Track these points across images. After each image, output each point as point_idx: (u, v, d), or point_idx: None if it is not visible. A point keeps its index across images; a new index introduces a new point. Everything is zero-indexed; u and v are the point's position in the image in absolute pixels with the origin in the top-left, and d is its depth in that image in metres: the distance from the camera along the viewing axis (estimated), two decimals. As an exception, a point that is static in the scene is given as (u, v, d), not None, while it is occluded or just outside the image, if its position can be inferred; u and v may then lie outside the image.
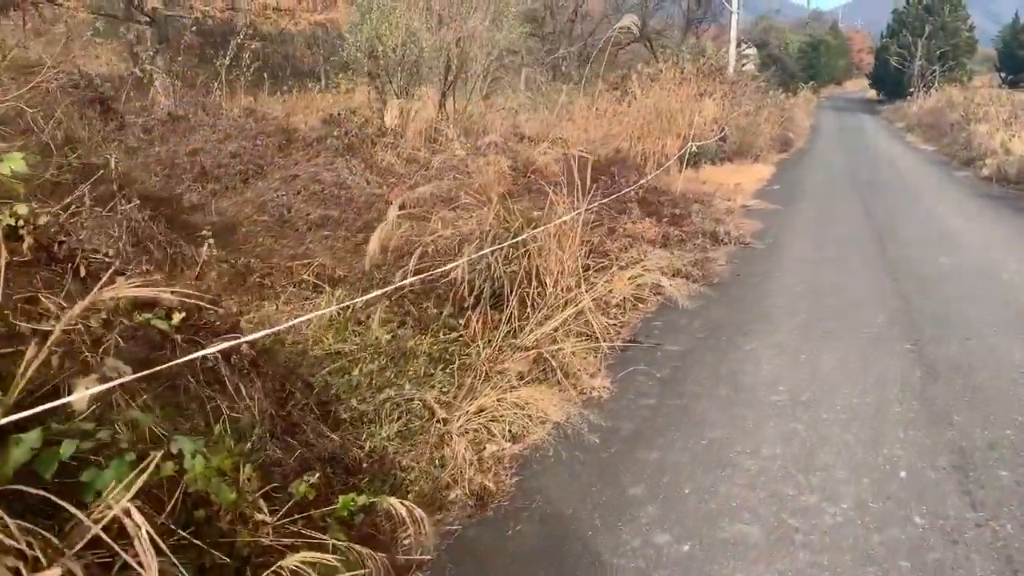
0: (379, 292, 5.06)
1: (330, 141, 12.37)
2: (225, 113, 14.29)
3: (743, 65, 31.99)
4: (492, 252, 5.04)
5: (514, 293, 5.20)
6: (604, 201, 9.90)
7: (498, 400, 4.17)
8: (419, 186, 11.50)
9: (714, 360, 5.25)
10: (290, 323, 4.49)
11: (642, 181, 10.96)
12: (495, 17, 12.99)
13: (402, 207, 10.37)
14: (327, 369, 4.61)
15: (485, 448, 3.87)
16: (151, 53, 18.27)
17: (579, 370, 4.78)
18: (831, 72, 53.98)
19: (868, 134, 25.62)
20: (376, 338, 5.00)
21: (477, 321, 4.95)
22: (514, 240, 5.22)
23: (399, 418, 4.07)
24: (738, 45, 30.47)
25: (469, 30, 12.60)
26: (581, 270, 5.82)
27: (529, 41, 26.13)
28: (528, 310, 5.15)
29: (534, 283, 5.34)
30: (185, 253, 7.03)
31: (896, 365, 5.11)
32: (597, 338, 5.30)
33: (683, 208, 10.90)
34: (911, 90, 33.89)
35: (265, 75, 18.91)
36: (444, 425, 3.98)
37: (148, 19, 18.55)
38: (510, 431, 4.08)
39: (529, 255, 5.43)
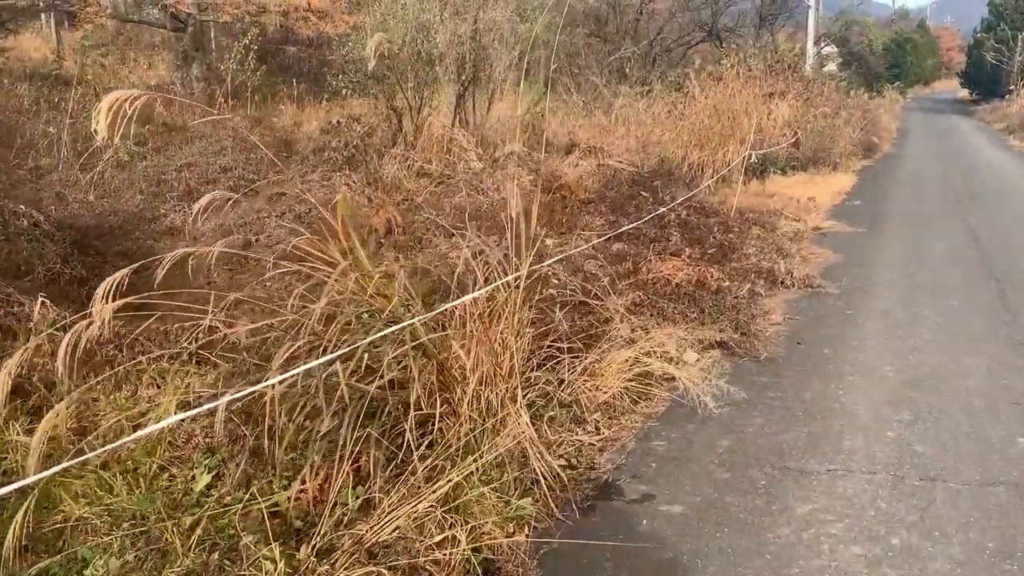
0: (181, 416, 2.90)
1: (328, 154, 10.36)
2: (230, 123, 12.49)
3: (823, 66, 28.91)
4: (339, 358, 2.80)
5: (379, 421, 2.97)
6: (626, 228, 7.59)
7: None
8: (417, 206, 9.40)
9: (738, 556, 2.89)
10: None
11: (678, 200, 8.56)
12: (518, 6, 10.74)
13: (387, 234, 8.27)
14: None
15: None
16: (188, 60, 16.77)
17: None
18: (918, 72, 49.68)
19: (963, 137, 22.34)
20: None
21: (312, 481, 2.74)
22: (379, 335, 2.96)
23: None
24: (816, 42, 27.43)
25: (487, 22, 10.40)
26: (520, 370, 3.52)
27: (591, 41, 23.80)
28: (415, 454, 2.90)
29: (434, 397, 3.09)
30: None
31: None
32: (540, 491, 3.04)
33: (738, 233, 8.46)
34: (1011, 88, 30.10)
35: (294, 81, 17.17)
36: None
37: (180, 23, 17.00)
38: None
39: (427, 352, 3.18)
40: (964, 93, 42.63)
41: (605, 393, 4.00)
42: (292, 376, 2.57)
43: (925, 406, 4.11)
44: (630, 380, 4.10)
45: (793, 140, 13.70)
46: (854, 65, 30.92)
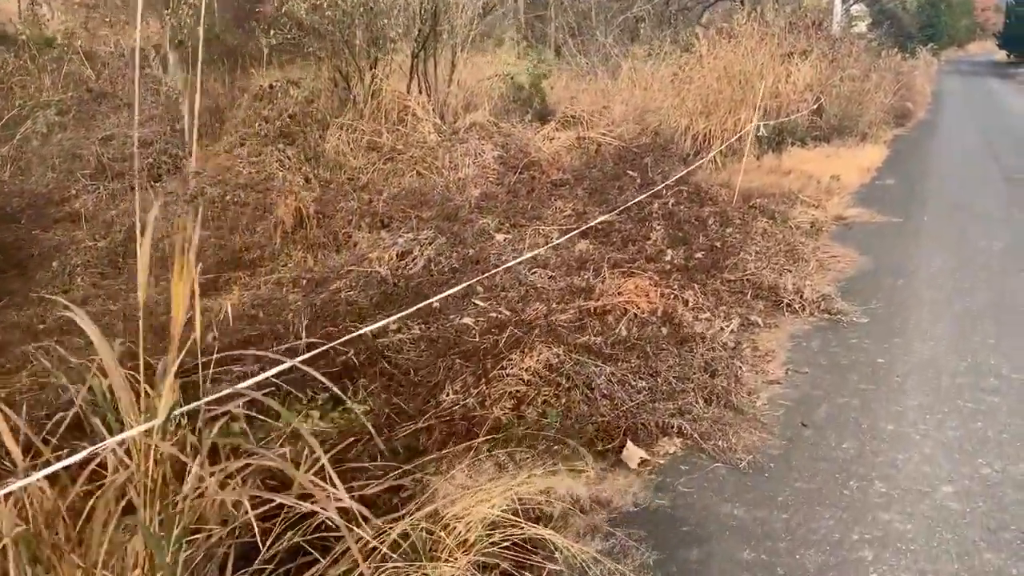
0: None
1: (258, 125, 8.55)
2: (162, 90, 10.70)
3: (851, 25, 26.37)
4: None
5: None
6: (594, 223, 5.77)
7: None
8: (362, 187, 7.60)
9: None
10: None
11: (671, 181, 6.68)
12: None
13: (297, 227, 6.52)
14: None
15: None
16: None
17: None
18: (952, 33, 46.28)
19: (1005, 102, 19.87)
20: None
21: None
22: None
23: None
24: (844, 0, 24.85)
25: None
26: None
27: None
28: None
29: None
30: None
31: None
32: None
33: (739, 226, 6.54)
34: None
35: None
36: None
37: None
38: None
39: None
40: (1001, 55, 39.40)
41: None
42: None
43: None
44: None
45: (815, 106, 11.61)
46: (885, 24, 28.21)
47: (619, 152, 8.66)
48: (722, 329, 4.14)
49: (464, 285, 4.35)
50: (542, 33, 16.78)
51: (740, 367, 3.59)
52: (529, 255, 5.35)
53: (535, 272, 5.26)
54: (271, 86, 8.79)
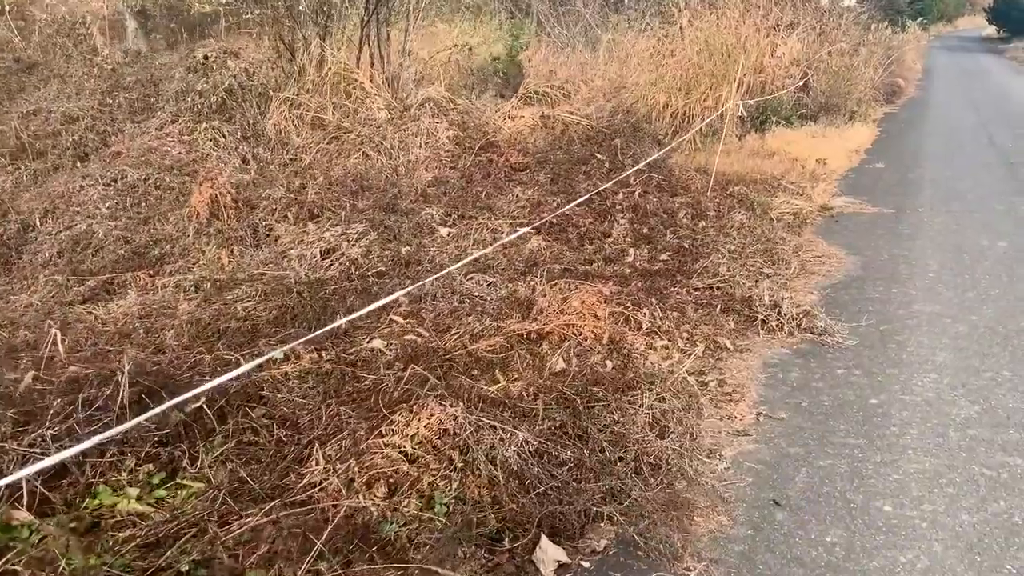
0: None
1: (191, 98, 7.66)
2: (99, 60, 9.76)
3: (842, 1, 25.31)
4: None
5: None
6: (549, 218, 4.99)
7: None
8: (306, 168, 6.79)
9: None
10: None
11: (642, 165, 5.88)
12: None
13: (212, 218, 5.72)
14: None
15: None
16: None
17: None
18: (941, 8, 45.15)
19: (997, 79, 19.00)
20: None
21: None
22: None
23: None
24: (836, -29, 23.76)
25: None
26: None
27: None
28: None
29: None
30: None
31: None
32: None
33: (714, 219, 5.76)
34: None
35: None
36: None
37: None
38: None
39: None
40: (991, 30, 38.39)
41: None
42: None
43: None
44: None
45: (802, 83, 10.77)
46: (875, -2, 27.18)
47: (588, 132, 7.81)
48: (681, 360, 3.35)
49: (379, 304, 3.53)
50: (526, 4, 15.79)
51: (697, 424, 2.79)
52: (468, 259, 4.54)
53: (473, 278, 4.46)
54: (206, 57, 7.87)
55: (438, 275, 4.29)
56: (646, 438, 2.57)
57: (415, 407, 2.44)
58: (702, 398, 3.08)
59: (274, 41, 8.02)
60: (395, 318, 3.87)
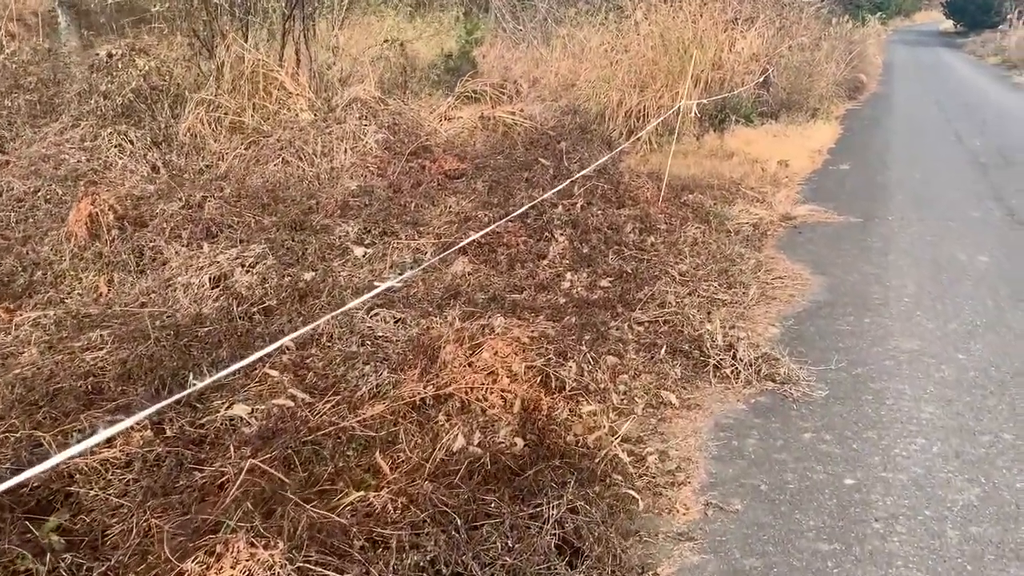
0: None
1: (94, 100, 6.83)
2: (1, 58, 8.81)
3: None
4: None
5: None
6: (475, 237, 4.27)
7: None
8: (222, 177, 6.03)
9: None
10: None
11: (588, 170, 5.18)
12: None
13: (92, 238, 4.98)
14: None
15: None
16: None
17: None
18: (899, 2, 45.10)
19: (958, 74, 18.61)
20: None
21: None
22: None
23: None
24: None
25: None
26: None
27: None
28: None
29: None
30: None
31: None
32: None
33: (664, 234, 5.08)
34: (1008, 17, 26.07)
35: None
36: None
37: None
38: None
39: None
40: (947, 25, 38.29)
41: None
42: None
43: None
44: None
45: (762, 79, 10.17)
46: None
47: (533, 135, 7.11)
48: (614, 427, 2.66)
49: (251, 359, 2.77)
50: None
51: (622, 540, 2.10)
52: (374, 292, 3.79)
53: (378, 314, 3.73)
54: (110, 55, 7.03)
55: (335, 313, 3.55)
56: (551, 569, 1.87)
57: (219, 546, 1.72)
58: (636, 483, 2.39)
59: (187, 36, 7.21)
60: (270, 371, 3.14)
